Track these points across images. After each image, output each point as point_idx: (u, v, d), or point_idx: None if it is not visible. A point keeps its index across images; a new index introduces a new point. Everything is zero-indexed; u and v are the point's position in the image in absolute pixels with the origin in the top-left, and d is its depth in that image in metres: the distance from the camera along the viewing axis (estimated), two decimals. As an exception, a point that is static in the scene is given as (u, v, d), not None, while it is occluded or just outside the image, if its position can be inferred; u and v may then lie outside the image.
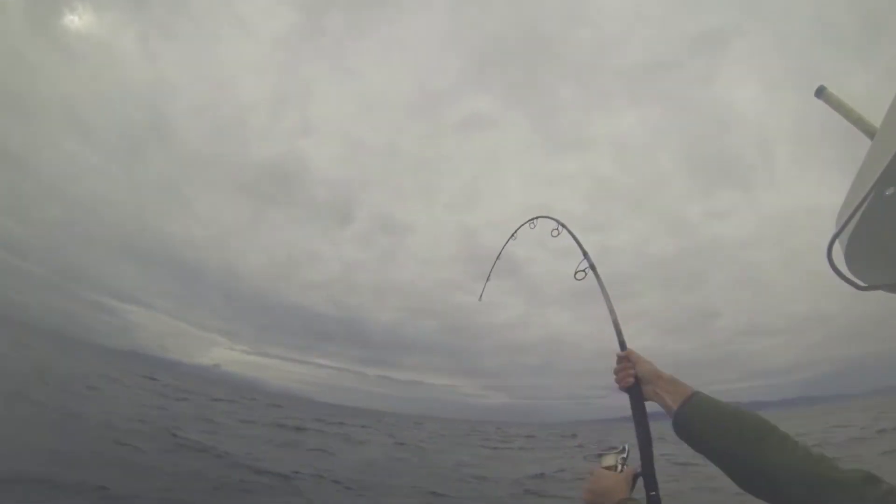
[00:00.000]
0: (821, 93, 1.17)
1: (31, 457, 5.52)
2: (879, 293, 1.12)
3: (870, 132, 1.08)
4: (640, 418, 1.14)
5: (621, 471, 1.10)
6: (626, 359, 1.21)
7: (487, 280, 2.04)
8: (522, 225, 1.80)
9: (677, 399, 1.05)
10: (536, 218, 1.73)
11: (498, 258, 1.98)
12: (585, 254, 1.50)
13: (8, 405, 8.21)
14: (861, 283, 1.10)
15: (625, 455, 1.13)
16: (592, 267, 1.47)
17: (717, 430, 0.95)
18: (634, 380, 1.17)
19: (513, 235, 1.86)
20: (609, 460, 1.12)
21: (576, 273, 1.47)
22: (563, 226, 1.63)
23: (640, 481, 1.07)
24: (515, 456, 17.12)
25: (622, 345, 1.28)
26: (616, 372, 1.22)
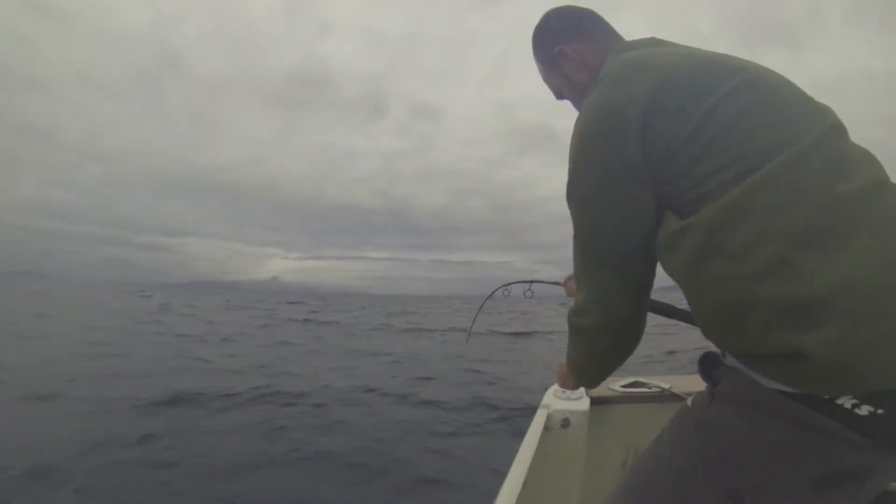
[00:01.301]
0: None
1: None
2: None
3: None
4: None
5: None
6: (566, 280, 1.53)
7: (472, 324, 2.18)
8: (490, 295, 1.98)
9: None
10: (510, 284, 1.91)
11: (480, 309, 2.06)
12: (532, 281, 1.83)
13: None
14: None
15: None
16: (533, 281, 1.82)
17: None
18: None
19: (489, 296, 2.01)
20: None
21: (524, 293, 1.82)
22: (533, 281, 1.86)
23: None
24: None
25: (560, 283, 1.59)
26: (567, 294, 1.52)
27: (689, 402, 0.81)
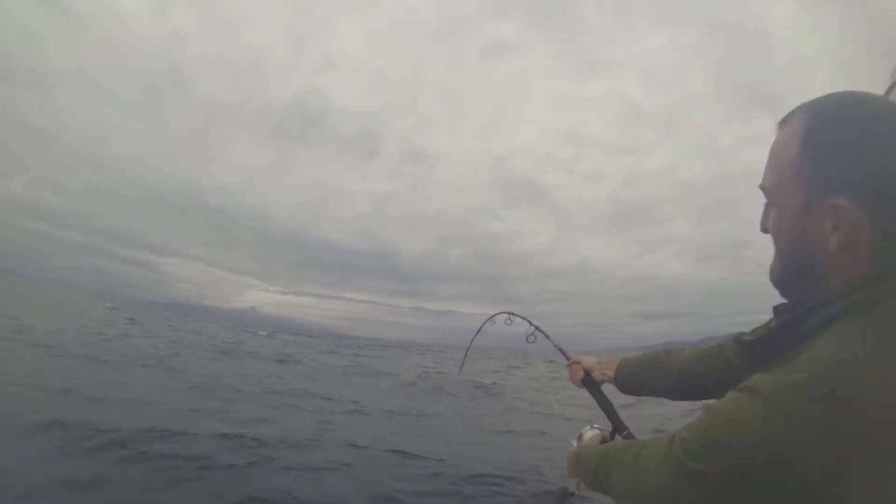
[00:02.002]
0: None
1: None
2: None
3: None
4: (599, 396, 1.43)
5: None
6: (573, 362, 1.51)
7: (465, 357, 2.02)
8: (492, 316, 1.87)
9: (613, 368, 1.41)
10: (513, 315, 1.82)
11: (472, 341, 1.92)
12: (537, 328, 1.71)
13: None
14: None
15: (598, 426, 1.31)
16: (538, 329, 1.70)
17: (640, 373, 1.33)
18: (584, 373, 1.46)
19: (482, 327, 1.90)
20: (587, 434, 1.30)
21: (527, 337, 1.70)
22: (519, 316, 1.79)
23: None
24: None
25: (567, 357, 1.55)
26: (570, 377, 1.51)
27: None
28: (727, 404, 0.60)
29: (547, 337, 1.68)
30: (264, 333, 42.33)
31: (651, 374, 1.28)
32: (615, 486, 0.85)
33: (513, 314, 1.78)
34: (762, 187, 0.75)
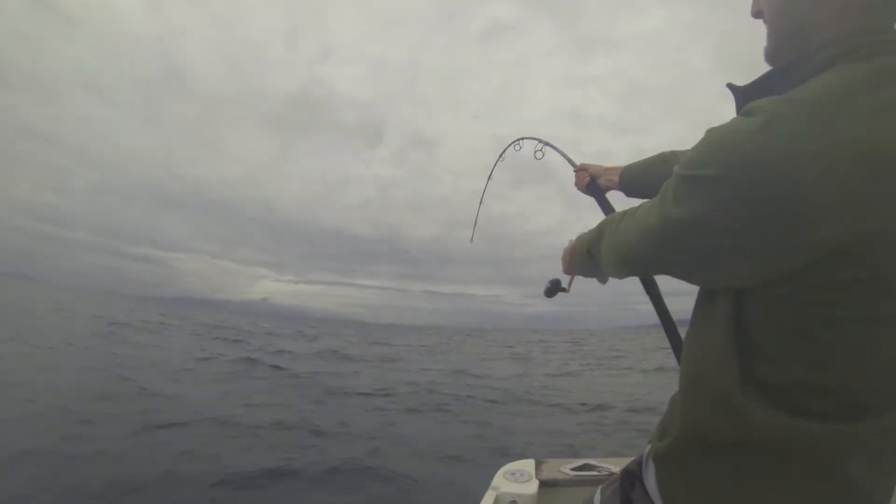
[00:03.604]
0: None
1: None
2: None
3: None
4: (603, 202, 1.41)
5: None
6: (580, 168, 1.49)
7: (476, 224, 2.03)
8: (502, 153, 1.86)
9: (618, 174, 1.38)
10: (520, 140, 1.76)
11: (481, 203, 1.98)
12: (546, 143, 1.67)
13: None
14: None
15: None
16: (546, 143, 1.65)
17: (647, 175, 1.28)
18: (590, 178, 1.44)
19: (500, 156, 1.88)
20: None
21: (535, 153, 1.66)
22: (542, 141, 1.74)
23: None
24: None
25: (573, 164, 1.54)
26: (576, 183, 1.49)
27: (597, 499, 0.89)
28: (727, 123, 0.58)
29: (554, 148, 1.63)
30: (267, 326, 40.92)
31: (659, 174, 1.18)
32: (606, 246, 0.81)
33: (520, 139, 1.72)
34: (754, 14, 0.71)
